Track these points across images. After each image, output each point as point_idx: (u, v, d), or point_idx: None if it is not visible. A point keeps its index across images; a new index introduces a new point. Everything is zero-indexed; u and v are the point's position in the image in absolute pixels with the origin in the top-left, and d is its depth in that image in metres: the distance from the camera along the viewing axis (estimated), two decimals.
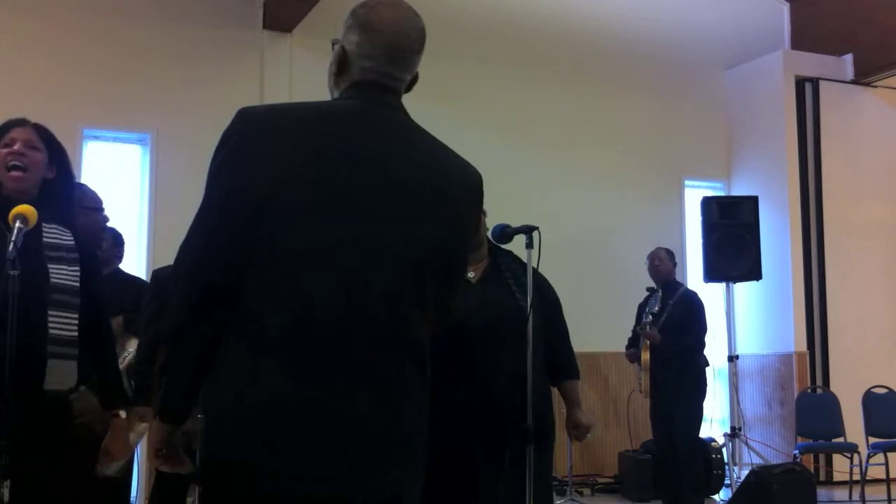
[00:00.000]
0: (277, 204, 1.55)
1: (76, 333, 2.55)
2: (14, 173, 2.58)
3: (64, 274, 2.56)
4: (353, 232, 1.58)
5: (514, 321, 2.89)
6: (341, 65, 1.76)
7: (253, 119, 1.65)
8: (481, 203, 1.84)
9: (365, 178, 1.61)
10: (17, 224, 2.33)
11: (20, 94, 6.10)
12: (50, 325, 2.49)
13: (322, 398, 1.50)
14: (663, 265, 6.13)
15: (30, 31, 6.42)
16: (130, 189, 6.58)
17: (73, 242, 2.64)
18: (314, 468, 1.49)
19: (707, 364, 6.03)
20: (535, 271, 3.06)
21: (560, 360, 3.20)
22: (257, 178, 1.56)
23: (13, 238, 2.28)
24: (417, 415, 1.62)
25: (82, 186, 3.61)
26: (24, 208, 2.37)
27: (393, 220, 1.62)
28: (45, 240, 2.58)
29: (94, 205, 3.48)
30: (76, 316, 2.56)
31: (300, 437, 1.49)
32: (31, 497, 2.39)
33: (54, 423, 2.50)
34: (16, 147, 2.60)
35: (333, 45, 1.78)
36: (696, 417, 5.91)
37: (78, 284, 2.58)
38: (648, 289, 6.19)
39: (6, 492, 2.22)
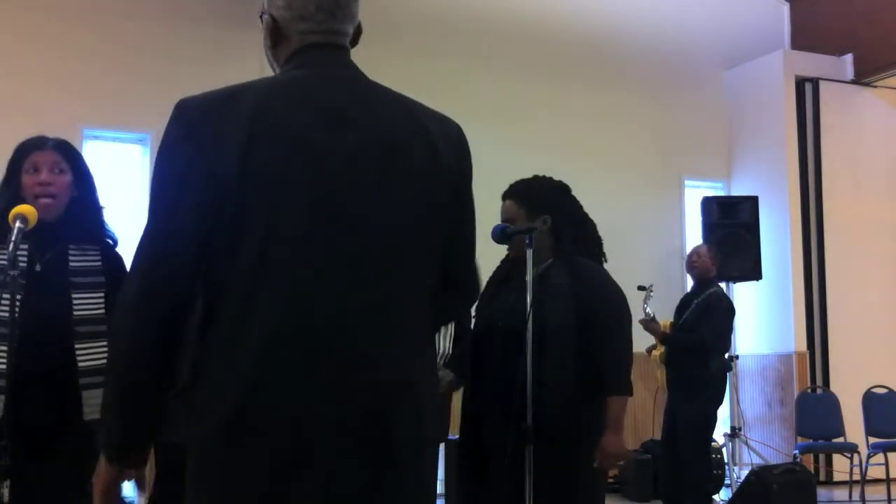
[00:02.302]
0: (258, 197, 1.43)
1: (104, 361, 2.53)
2: (43, 200, 2.55)
3: (90, 303, 2.55)
4: (340, 215, 1.46)
5: (547, 328, 2.87)
6: (274, 36, 1.59)
7: (201, 110, 1.47)
8: (468, 152, 1.64)
9: (340, 152, 1.47)
10: (17, 224, 2.33)
11: (20, 95, 6.11)
12: (79, 357, 2.49)
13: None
14: (700, 262, 5.91)
15: (30, 31, 6.41)
16: (130, 189, 6.58)
17: (99, 264, 2.61)
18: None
19: (727, 369, 5.89)
20: (604, 277, 3.03)
21: (596, 373, 2.92)
22: (226, 171, 1.41)
23: (13, 238, 2.28)
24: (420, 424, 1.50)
25: None
26: (24, 208, 2.37)
27: (380, 196, 1.49)
28: (71, 265, 2.56)
29: None
30: (105, 342, 2.53)
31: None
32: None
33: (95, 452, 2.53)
34: (42, 176, 2.56)
35: (261, 17, 1.62)
36: (703, 422, 5.72)
37: (103, 311, 2.56)
38: (639, 287, 6.06)
39: (6, 492, 2.23)
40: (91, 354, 2.52)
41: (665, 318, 6.12)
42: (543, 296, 2.90)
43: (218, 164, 1.42)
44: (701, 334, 5.71)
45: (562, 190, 3.13)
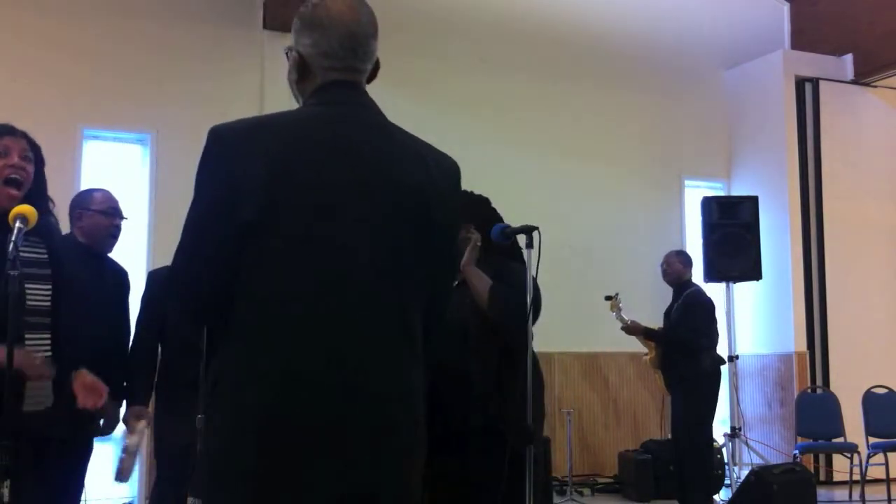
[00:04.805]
0: (271, 221, 1.56)
1: (50, 353, 2.57)
2: (11, 191, 2.57)
3: (38, 295, 2.57)
4: (350, 249, 1.60)
5: (469, 325, 2.97)
6: (301, 71, 1.74)
7: (231, 135, 1.61)
8: (459, 187, 1.84)
9: (355, 185, 1.62)
10: (17, 224, 2.33)
11: (21, 95, 6.11)
12: (28, 348, 2.49)
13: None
14: (671, 268, 6.19)
15: (30, 31, 6.42)
16: (131, 189, 6.58)
17: (45, 257, 2.64)
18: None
19: (718, 364, 5.96)
20: (522, 275, 3.05)
21: (513, 368, 3.12)
22: (246, 196, 1.55)
23: (13, 238, 2.28)
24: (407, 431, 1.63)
25: (91, 191, 3.63)
26: (25, 208, 2.37)
27: (389, 227, 1.63)
28: (22, 255, 2.57)
29: (98, 207, 3.49)
30: (49, 335, 2.57)
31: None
32: None
33: (34, 443, 2.53)
34: (15, 160, 2.59)
35: (288, 53, 1.77)
36: (699, 420, 5.82)
37: (49, 303, 2.59)
38: (606, 297, 6.23)
39: (6, 492, 2.23)
40: (37, 346, 2.53)
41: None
42: (466, 297, 3.01)
43: (243, 192, 1.56)
44: (687, 333, 5.87)
45: (483, 202, 3.30)
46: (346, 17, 1.71)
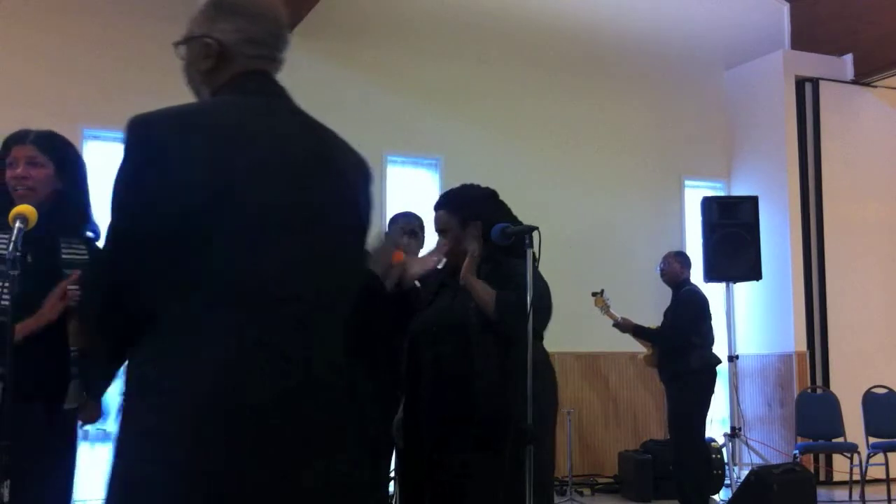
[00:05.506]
0: (213, 216, 1.48)
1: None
2: (20, 191, 2.60)
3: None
4: (296, 231, 1.55)
5: (471, 325, 2.95)
6: (217, 59, 1.64)
7: (159, 127, 1.53)
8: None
9: (299, 178, 1.57)
10: (17, 224, 2.33)
11: (21, 95, 6.11)
12: (72, 348, 2.54)
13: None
14: (669, 269, 6.23)
15: (30, 31, 6.41)
16: None
17: (87, 257, 2.65)
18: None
19: (710, 362, 5.98)
20: (525, 273, 3.02)
21: (519, 368, 3.09)
22: (182, 191, 1.47)
23: (13, 238, 2.28)
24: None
25: None
26: (24, 208, 2.38)
27: (335, 218, 1.62)
28: (63, 257, 2.59)
29: None
30: None
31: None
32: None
33: (68, 439, 2.58)
34: (18, 170, 2.60)
35: (187, 42, 1.67)
36: (688, 417, 5.85)
37: None
38: (593, 293, 6.28)
39: (6, 492, 2.23)
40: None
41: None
42: (468, 295, 2.98)
43: (181, 189, 1.47)
44: (676, 331, 5.95)
45: (491, 196, 3.21)
46: (269, 4, 1.68)
